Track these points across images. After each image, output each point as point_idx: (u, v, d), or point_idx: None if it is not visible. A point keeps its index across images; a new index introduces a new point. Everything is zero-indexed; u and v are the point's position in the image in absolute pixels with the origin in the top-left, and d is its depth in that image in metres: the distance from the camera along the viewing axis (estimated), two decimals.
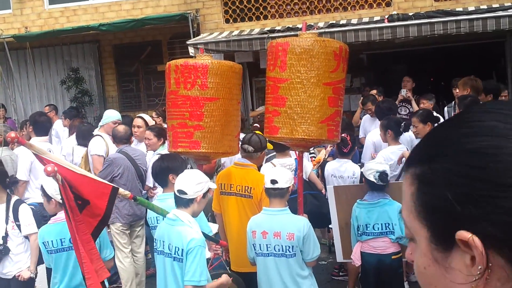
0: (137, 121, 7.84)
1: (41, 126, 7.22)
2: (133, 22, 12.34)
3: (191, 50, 10.94)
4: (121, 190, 4.23)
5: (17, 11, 13.52)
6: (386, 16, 11.00)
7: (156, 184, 6.61)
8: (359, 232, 5.47)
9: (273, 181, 4.58)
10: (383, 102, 8.22)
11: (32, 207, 5.72)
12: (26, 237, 5.53)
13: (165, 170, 5.19)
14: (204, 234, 4.31)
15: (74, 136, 8.21)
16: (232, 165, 5.74)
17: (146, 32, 13.38)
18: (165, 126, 6.79)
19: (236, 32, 11.97)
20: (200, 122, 4.86)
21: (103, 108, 14.05)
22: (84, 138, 7.78)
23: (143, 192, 7.02)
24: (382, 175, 5.31)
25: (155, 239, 4.41)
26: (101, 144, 7.41)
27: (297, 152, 5.46)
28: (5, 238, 5.51)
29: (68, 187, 4.13)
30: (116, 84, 14.27)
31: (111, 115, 7.82)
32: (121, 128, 7.07)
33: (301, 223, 4.63)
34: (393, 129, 6.61)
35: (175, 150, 5.03)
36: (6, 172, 5.86)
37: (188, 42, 11.19)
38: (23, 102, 13.90)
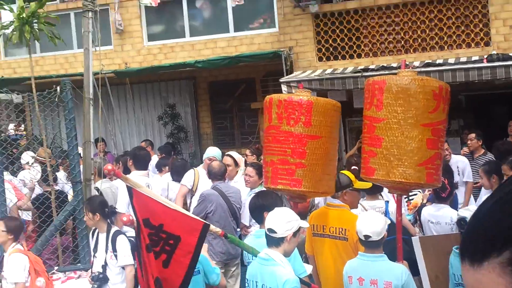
0: (226, 160, 7.85)
1: (141, 160, 7.40)
2: (228, 60, 12.63)
3: (284, 88, 11.01)
4: (212, 227, 4.27)
5: (118, 47, 14.13)
6: (485, 56, 10.68)
7: (252, 223, 6.62)
8: (455, 282, 5.23)
9: (366, 236, 4.48)
10: (503, 144, 7.85)
11: (132, 239, 5.88)
12: (123, 267, 5.68)
13: (261, 207, 5.17)
14: None
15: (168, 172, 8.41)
16: (325, 206, 5.66)
17: (240, 70, 13.61)
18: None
19: (329, 71, 11.97)
20: (303, 160, 4.81)
21: (198, 144, 14.35)
22: (178, 174, 7.95)
23: (238, 230, 7.04)
24: (460, 221, 5.11)
25: (247, 279, 4.38)
26: (191, 176, 7.63)
27: (395, 195, 5.32)
28: (104, 267, 5.71)
29: (146, 236, 4.22)
30: (210, 121, 14.54)
31: (208, 152, 7.97)
32: (216, 164, 7.16)
33: (399, 271, 4.48)
34: (498, 174, 6.35)
35: (275, 187, 4.99)
36: (106, 202, 6.08)
37: (281, 80, 11.29)
38: (122, 137, 14.39)
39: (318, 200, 6.91)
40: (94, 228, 5.94)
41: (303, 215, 5.31)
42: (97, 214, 5.79)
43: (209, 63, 12.79)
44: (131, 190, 4.40)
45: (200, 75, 14.34)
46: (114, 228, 5.85)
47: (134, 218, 4.39)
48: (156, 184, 7.66)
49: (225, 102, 14.37)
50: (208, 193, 6.84)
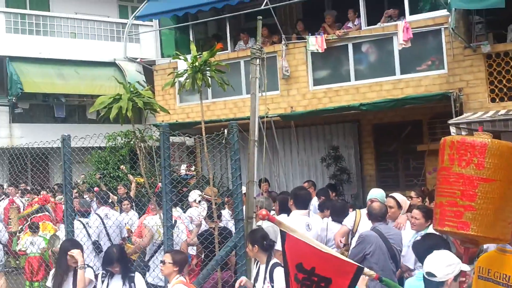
0: (389, 201, 7.62)
1: (301, 199, 7.39)
2: (393, 102, 12.43)
3: (452, 130, 10.55)
4: (366, 270, 4.16)
5: (284, 92, 14.47)
6: None
7: (417, 266, 6.37)
8: None
9: None
10: None
11: None
12: None
13: (426, 249, 4.94)
14: None
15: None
16: (495, 250, 5.28)
17: (406, 112, 13.33)
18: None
19: (502, 112, 11.29)
20: (472, 203, 4.54)
21: (360, 186, 14.28)
22: (338, 215, 7.93)
23: (396, 272, 6.78)
24: None
25: None
26: (352, 217, 7.63)
27: None
28: None
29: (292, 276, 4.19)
30: (374, 163, 14.40)
31: (371, 194, 7.83)
32: (376, 205, 7.01)
33: None
34: None
35: (442, 229, 4.77)
36: (267, 235, 6.19)
37: (449, 122, 10.84)
38: (286, 178, 14.67)
39: (488, 244, 6.46)
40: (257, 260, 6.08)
41: (470, 260, 4.98)
42: (256, 245, 5.96)
43: (374, 105, 12.69)
44: (284, 234, 4.44)
45: (364, 118, 14.27)
46: (273, 260, 5.93)
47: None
48: (315, 223, 7.60)
49: (389, 145, 14.17)
50: (367, 234, 6.69)
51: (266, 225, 7.26)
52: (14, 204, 12.90)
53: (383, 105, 12.62)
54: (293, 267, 4.36)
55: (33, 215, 11.66)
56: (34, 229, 10.75)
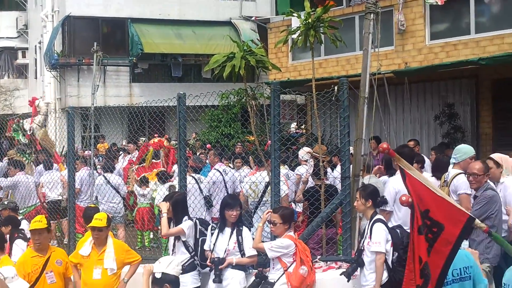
0: (489, 162, 7.25)
1: (405, 157, 7.22)
2: None
3: None
4: (477, 221, 4.11)
5: (399, 47, 14.12)
6: None
7: None
8: None
9: None
10: None
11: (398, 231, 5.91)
12: None
13: None
14: None
15: None
16: None
17: None
18: None
19: None
20: None
21: (475, 145, 13.63)
22: (439, 170, 7.81)
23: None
24: None
25: (503, 284, 4.02)
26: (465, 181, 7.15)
27: None
28: (360, 252, 5.87)
29: (419, 217, 4.18)
30: (491, 121, 13.73)
31: (468, 151, 7.46)
32: (477, 164, 6.70)
33: None
34: None
35: None
36: (379, 191, 6.18)
37: None
38: (397, 137, 14.36)
39: None
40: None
41: None
42: (370, 200, 5.91)
43: (494, 60, 12.12)
44: (403, 172, 4.52)
45: (483, 73, 13.61)
46: (377, 216, 5.90)
47: (410, 199, 4.51)
48: None
49: (510, 101, 13.37)
50: (493, 194, 6.45)
51: (371, 181, 7.18)
52: (133, 165, 13.57)
53: (505, 59, 12.00)
54: (415, 203, 4.45)
55: (152, 159, 12.34)
56: (144, 182, 11.45)
